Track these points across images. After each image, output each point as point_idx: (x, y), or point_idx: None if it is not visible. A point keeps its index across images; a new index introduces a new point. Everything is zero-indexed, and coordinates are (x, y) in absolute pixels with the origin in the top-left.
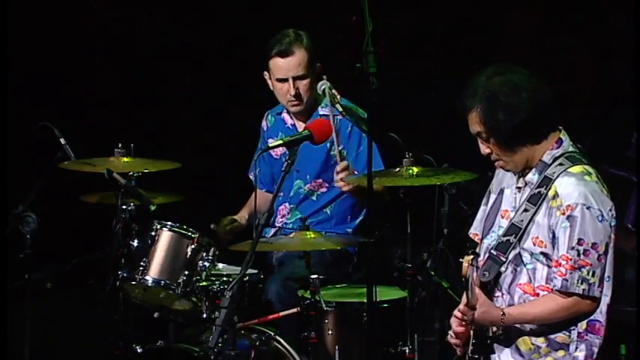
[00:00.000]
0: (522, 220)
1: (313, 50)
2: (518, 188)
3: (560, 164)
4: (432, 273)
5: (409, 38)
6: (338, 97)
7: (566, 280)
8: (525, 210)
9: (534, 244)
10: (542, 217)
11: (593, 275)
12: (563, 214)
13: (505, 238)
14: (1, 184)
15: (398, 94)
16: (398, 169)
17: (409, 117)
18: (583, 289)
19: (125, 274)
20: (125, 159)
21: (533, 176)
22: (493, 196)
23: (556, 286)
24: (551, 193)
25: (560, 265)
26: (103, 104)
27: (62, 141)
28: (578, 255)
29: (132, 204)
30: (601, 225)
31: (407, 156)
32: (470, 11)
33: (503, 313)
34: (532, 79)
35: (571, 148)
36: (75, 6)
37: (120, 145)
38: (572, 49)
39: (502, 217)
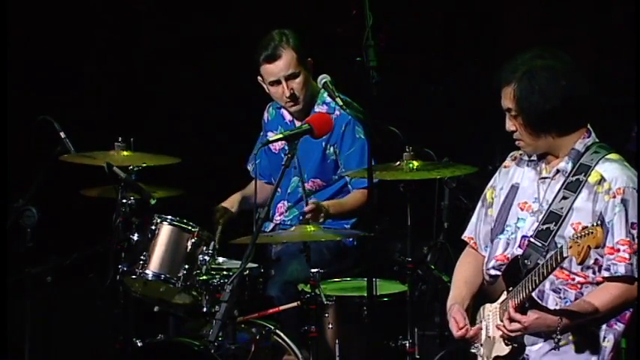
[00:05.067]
0: (562, 208)
1: (301, 47)
2: (543, 179)
3: (596, 152)
4: (432, 267)
5: (409, 31)
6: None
7: (631, 265)
8: (564, 197)
9: (575, 230)
10: (584, 203)
11: None
12: (614, 197)
13: (545, 226)
14: (1, 178)
15: (398, 87)
16: (398, 162)
17: (409, 111)
18: None
19: (125, 268)
20: (125, 153)
21: (566, 165)
22: (503, 194)
23: (618, 272)
24: (592, 179)
25: (618, 250)
26: (103, 98)
27: (62, 134)
28: (633, 238)
29: (132, 198)
30: None
31: (407, 150)
32: (471, 4)
33: (560, 318)
34: (575, 71)
35: (597, 139)
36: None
37: (120, 139)
38: (572, 43)
39: (521, 210)
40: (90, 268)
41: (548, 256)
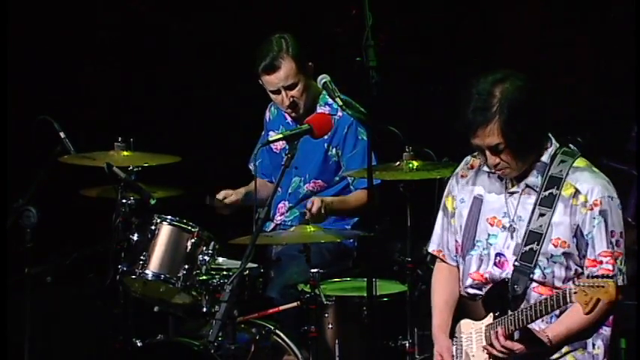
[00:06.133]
0: (541, 226)
1: (300, 54)
2: (511, 193)
3: (562, 161)
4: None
5: (409, 32)
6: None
7: (614, 276)
8: (541, 215)
9: (555, 246)
10: (562, 217)
11: (624, 263)
12: (592, 209)
13: (527, 247)
14: (1, 178)
15: (398, 87)
16: (398, 162)
17: (409, 111)
18: (622, 280)
19: (125, 268)
20: (125, 153)
21: (535, 179)
22: (466, 206)
23: None
24: (566, 192)
25: (601, 262)
26: (103, 98)
27: (62, 135)
28: (613, 247)
29: (132, 198)
30: (621, 212)
31: (407, 150)
32: (470, 5)
33: (550, 340)
34: (530, 79)
35: (557, 144)
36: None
37: (120, 139)
38: (572, 43)
39: (491, 225)
40: (90, 268)
41: (549, 298)
